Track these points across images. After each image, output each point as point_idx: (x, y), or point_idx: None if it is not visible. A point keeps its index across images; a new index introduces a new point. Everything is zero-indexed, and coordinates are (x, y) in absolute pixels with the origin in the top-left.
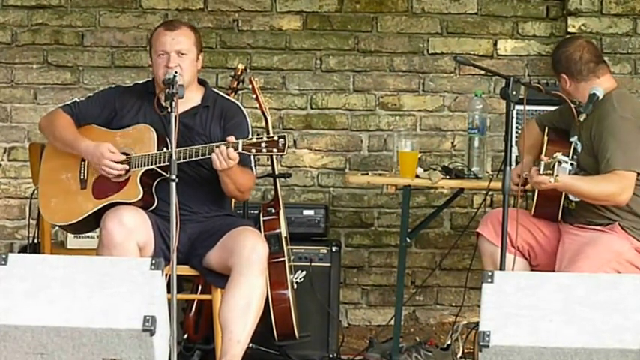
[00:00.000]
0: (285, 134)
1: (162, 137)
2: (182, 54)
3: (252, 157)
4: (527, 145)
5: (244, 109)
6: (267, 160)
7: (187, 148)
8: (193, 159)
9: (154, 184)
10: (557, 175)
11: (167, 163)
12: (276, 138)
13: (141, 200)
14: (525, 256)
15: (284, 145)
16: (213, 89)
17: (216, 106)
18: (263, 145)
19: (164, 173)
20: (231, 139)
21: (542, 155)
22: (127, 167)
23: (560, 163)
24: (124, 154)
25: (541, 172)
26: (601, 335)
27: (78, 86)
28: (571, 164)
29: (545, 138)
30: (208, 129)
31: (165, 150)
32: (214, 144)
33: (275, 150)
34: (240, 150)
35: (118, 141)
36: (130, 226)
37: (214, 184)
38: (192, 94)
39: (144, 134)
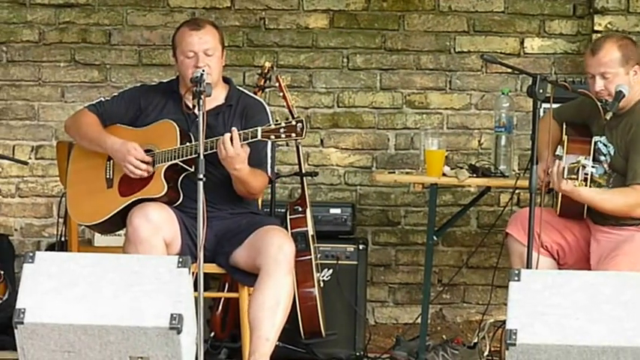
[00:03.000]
0: (303, 118)
1: (185, 132)
2: (209, 54)
3: (268, 156)
4: (544, 139)
5: (267, 107)
6: (292, 156)
7: (207, 140)
8: (208, 151)
9: (179, 180)
10: (581, 181)
11: (190, 157)
12: (294, 122)
13: (166, 195)
14: (554, 256)
15: (302, 129)
16: (238, 87)
17: (239, 104)
18: (282, 130)
19: (188, 168)
20: (235, 131)
21: (564, 152)
22: (150, 169)
23: (584, 167)
24: (147, 150)
25: (565, 177)
26: (627, 333)
27: (105, 84)
28: (593, 167)
29: (565, 136)
30: (230, 128)
31: (188, 144)
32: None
33: (294, 134)
34: (259, 137)
35: (142, 138)
36: (157, 222)
37: None
38: (217, 93)
39: (166, 130)
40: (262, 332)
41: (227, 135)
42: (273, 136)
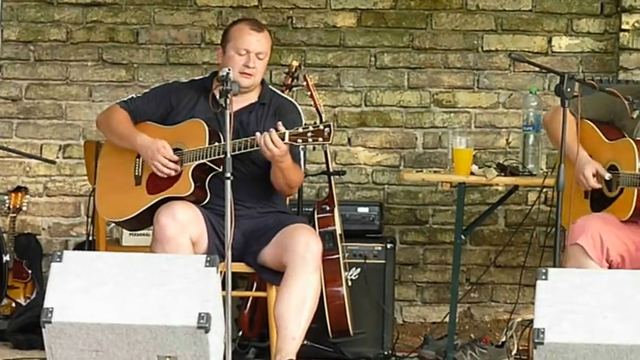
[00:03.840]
0: (331, 123)
1: (214, 132)
2: (260, 57)
3: (302, 153)
4: (571, 138)
5: (300, 107)
6: (319, 155)
7: (236, 140)
8: (242, 151)
9: (207, 179)
10: None
11: (218, 156)
12: (321, 127)
13: (192, 194)
14: (614, 268)
15: (329, 133)
16: (270, 87)
17: (272, 103)
18: (309, 134)
19: (216, 168)
20: (281, 126)
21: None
22: (178, 168)
23: None
24: (176, 149)
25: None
26: None
27: (133, 84)
28: None
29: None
30: (263, 126)
31: (217, 144)
32: (264, 133)
33: (321, 139)
34: (286, 140)
35: (171, 136)
36: (183, 221)
37: (267, 180)
38: (250, 92)
39: (195, 129)
40: (288, 331)
41: (268, 137)
42: (300, 140)
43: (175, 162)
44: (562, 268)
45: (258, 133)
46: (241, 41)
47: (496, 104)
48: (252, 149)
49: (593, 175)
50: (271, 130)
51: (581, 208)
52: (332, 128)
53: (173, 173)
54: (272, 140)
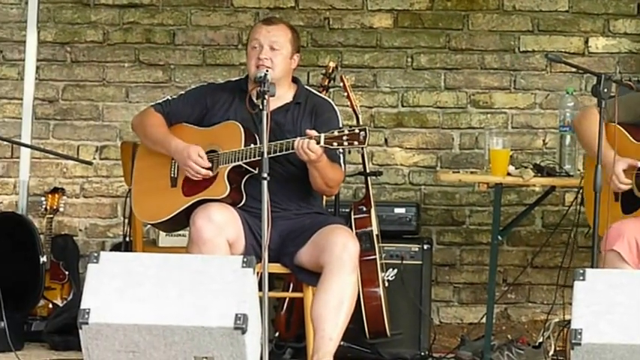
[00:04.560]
0: (367, 127)
1: (250, 133)
2: (275, 49)
3: (340, 152)
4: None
5: (336, 107)
6: (356, 156)
7: (272, 142)
8: (278, 153)
9: (243, 181)
10: None
11: (254, 159)
12: (357, 131)
13: (228, 197)
14: None
15: (365, 137)
16: (306, 86)
17: (308, 103)
18: (344, 138)
19: (252, 169)
20: (311, 132)
21: None
22: (210, 173)
23: None
24: (211, 151)
25: None
26: None
27: (169, 85)
28: None
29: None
30: (299, 126)
31: (252, 146)
32: (298, 138)
33: (356, 142)
34: (322, 143)
35: (206, 138)
36: (219, 223)
37: (304, 181)
38: (285, 92)
39: (231, 131)
40: (325, 331)
41: (304, 142)
42: (335, 143)
43: (208, 168)
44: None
45: (296, 144)
46: (252, 35)
47: (533, 105)
48: (287, 152)
49: (624, 171)
50: (310, 141)
51: (612, 212)
52: (367, 132)
53: (206, 177)
54: (308, 147)
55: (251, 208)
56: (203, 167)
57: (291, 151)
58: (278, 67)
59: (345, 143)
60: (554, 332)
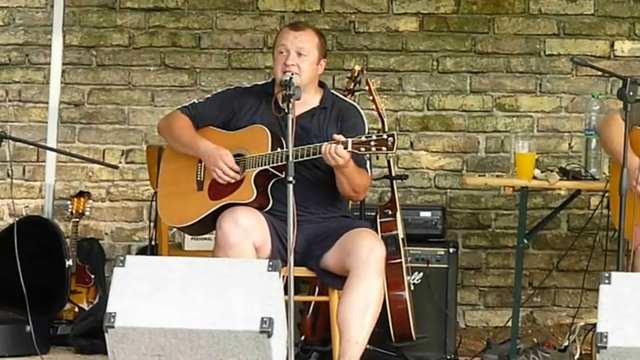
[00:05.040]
0: (395, 133)
1: (277, 137)
2: (302, 54)
3: (367, 158)
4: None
5: (362, 111)
6: (382, 160)
7: (299, 147)
8: (305, 158)
9: (269, 185)
10: None
11: (281, 163)
12: (384, 136)
13: (255, 201)
14: None
15: (393, 143)
16: (332, 91)
17: (334, 107)
18: (372, 143)
19: (279, 174)
20: (339, 137)
21: None
22: (238, 177)
23: None
24: (238, 154)
25: None
26: None
27: (195, 88)
28: None
29: None
30: (325, 130)
31: (279, 150)
32: (325, 143)
33: (384, 148)
34: (349, 148)
35: (233, 142)
36: (246, 227)
37: (330, 185)
38: (311, 97)
39: (258, 135)
40: (351, 335)
41: (332, 147)
42: (363, 149)
43: (236, 172)
44: (626, 271)
45: (323, 149)
46: (279, 40)
47: (558, 108)
48: (314, 157)
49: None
50: (337, 146)
51: (637, 212)
52: (396, 138)
53: (232, 181)
54: (336, 152)
55: (277, 212)
56: (232, 169)
57: (318, 155)
58: (305, 73)
59: (373, 149)
60: (579, 336)
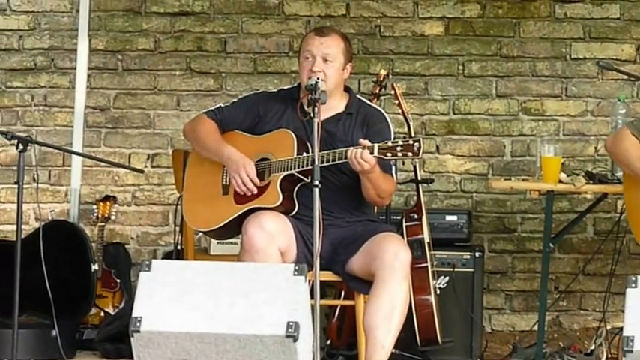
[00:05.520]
0: (421, 138)
1: (303, 142)
2: (328, 60)
3: (393, 163)
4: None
5: (388, 117)
6: (408, 164)
7: (325, 152)
8: (331, 162)
9: (295, 190)
10: None
11: (306, 168)
12: (411, 142)
13: (281, 205)
14: None
15: (419, 148)
16: (358, 96)
17: (360, 113)
18: (398, 149)
19: (304, 178)
20: (365, 142)
21: None
22: (255, 190)
23: None
24: (263, 159)
25: None
26: None
27: (220, 92)
28: None
29: None
30: (351, 136)
31: (304, 154)
32: (351, 148)
33: (410, 153)
34: (376, 154)
35: (259, 146)
36: (271, 231)
37: (356, 190)
38: (337, 102)
39: (283, 139)
40: (377, 339)
41: (357, 152)
42: (389, 154)
43: (255, 184)
44: None
45: (349, 154)
46: (304, 46)
47: (584, 112)
48: (340, 161)
49: None
50: (363, 151)
51: None
52: (422, 143)
53: (249, 193)
54: (362, 157)
55: (303, 216)
56: (251, 181)
57: (343, 160)
58: (331, 79)
59: (399, 154)
60: (606, 339)
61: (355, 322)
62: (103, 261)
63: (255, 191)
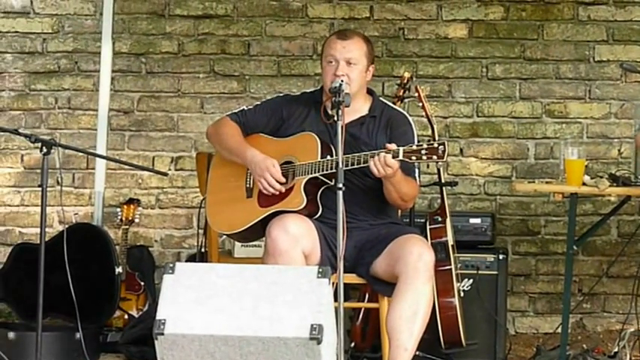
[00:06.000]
0: (446, 141)
1: (327, 145)
2: (351, 63)
3: (416, 166)
4: None
5: (411, 119)
6: (432, 167)
7: (349, 155)
8: (355, 166)
9: (319, 192)
10: None
11: (330, 171)
12: (435, 145)
13: (305, 208)
14: None
15: (444, 151)
16: (381, 99)
17: (383, 115)
18: (423, 152)
19: (328, 181)
20: (392, 146)
21: None
22: (283, 189)
23: None
24: (287, 162)
25: None
26: None
27: (244, 95)
28: None
29: None
30: (374, 139)
31: (328, 158)
32: (376, 151)
33: (435, 157)
34: (400, 157)
35: (282, 149)
36: (295, 234)
37: (379, 192)
38: (360, 105)
39: (307, 142)
40: (400, 341)
41: (381, 158)
42: (414, 157)
43: (282, 183)
44: None
45: (371, 161)
46: (327, 50)
47: (608, 114)
48: (364, 164)
49: None
50: (381, 153)
51: None
52: (446, 146)
53: (277, 193)
54: (386, 162)
55: (327, 219)
56: (277, 182)
57: (367, 164)
58: (355, 82)
59: (424, 157)
60: (629, 342)
61: (379, 324)
62: (126, 264)
63: (283, 190)
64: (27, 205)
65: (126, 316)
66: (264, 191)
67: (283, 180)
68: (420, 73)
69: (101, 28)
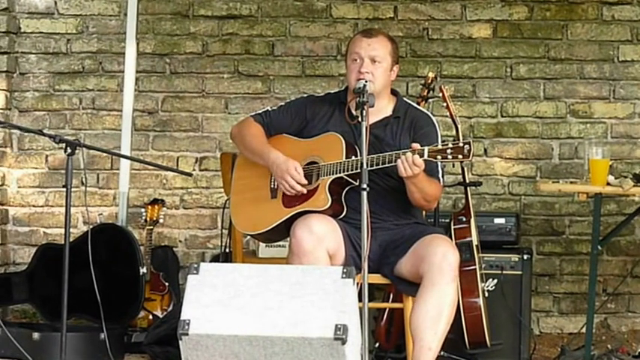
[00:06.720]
0: (471, 140)
1: (351, 146)
2: (376, 61)
3: (439, 166)
4: None
5: (435, 120)
6: (456, 167)
7: (374, 155)
8: (380, 166)
9: (344, 193)
10: None
11: (355, 171)
12: (461, 144)
13: (330, 208)
14: None
15: (469, 151)
16: (405, 99)
17: (407, 116)
18: (448, 151)
19: (353, 182)
20: (417, 145)
21: None
22: (304, 190)
23: None
24: (312, 162)
25: None
26: None
27: (269, 96)
28: None
29: None
30: (398, 140)
31: (353, 158)
32: (401, 151)
33: (460, 156)
34: (426, 157)
35: (307, 149)
36: (320, 234)
37: (403, 193)
38: (384, 105)
39: (332, 143)
40: (425, 341)
41: (409, 157)
42: (439, 157)
43: (303, 185)
44: None
45: (399, 161)
46: (352, 48)
47: (632, 114)
48: (389, 164)
49: None
50: (407, 153)
51: None
52: (472, 146)
53: (299, 194)
54: (414, 162)
55: (351, 219)
56: (299, 183)
57: (392, 164)
58: (379, 80)
59: (449, 157)
60: None
61: (403, 324)
62: (151, 264)
63: (305, 191)
64: (51, 206)
65: (150, 317)
66: (287, 193)
67: (305, 182)
68: (444, 74)
69: (125, 29)
